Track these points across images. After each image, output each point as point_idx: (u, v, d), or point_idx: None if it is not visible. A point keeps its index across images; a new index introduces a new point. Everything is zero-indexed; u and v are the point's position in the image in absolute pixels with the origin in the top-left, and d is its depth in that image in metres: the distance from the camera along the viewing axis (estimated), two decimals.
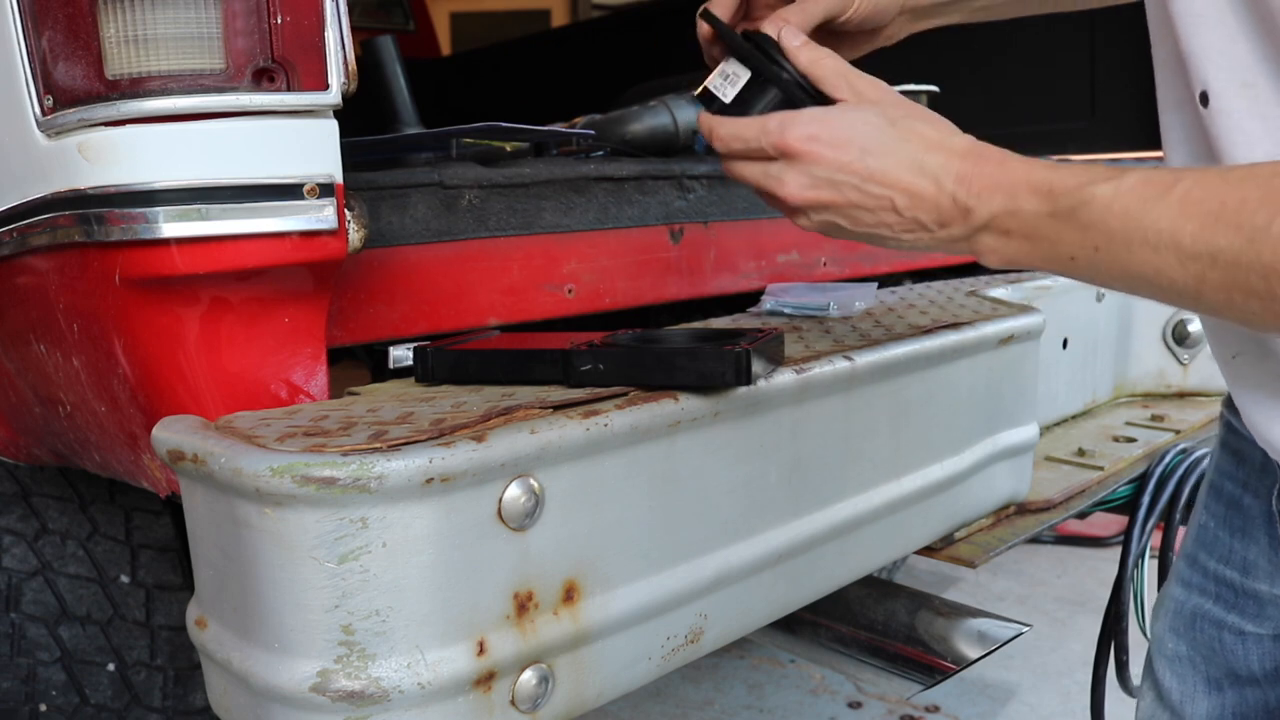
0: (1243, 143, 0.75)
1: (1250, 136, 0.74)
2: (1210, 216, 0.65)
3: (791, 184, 0.84)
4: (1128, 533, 1.55)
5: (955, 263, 1.99)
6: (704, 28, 0.96)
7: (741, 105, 0.92)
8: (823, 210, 0.84)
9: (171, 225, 0.86)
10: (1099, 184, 0.71)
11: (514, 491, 0.82)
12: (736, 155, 0.88)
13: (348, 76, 0.90)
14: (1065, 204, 0.73)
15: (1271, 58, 0.73)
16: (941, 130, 0.82)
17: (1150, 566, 1.53)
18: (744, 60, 0.92)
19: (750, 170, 0.88)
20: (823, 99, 0.88)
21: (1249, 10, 0.73)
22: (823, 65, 0.87)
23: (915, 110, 0.84)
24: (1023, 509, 1.48)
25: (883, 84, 0.87)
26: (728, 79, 0.93)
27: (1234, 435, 0.97)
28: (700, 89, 0.94)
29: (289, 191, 0.89)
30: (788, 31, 0.89)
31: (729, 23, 0.97)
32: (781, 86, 0.90)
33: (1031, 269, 0.78)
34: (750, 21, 0.99)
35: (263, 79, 0.87)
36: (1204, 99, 0.77)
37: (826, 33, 1.01)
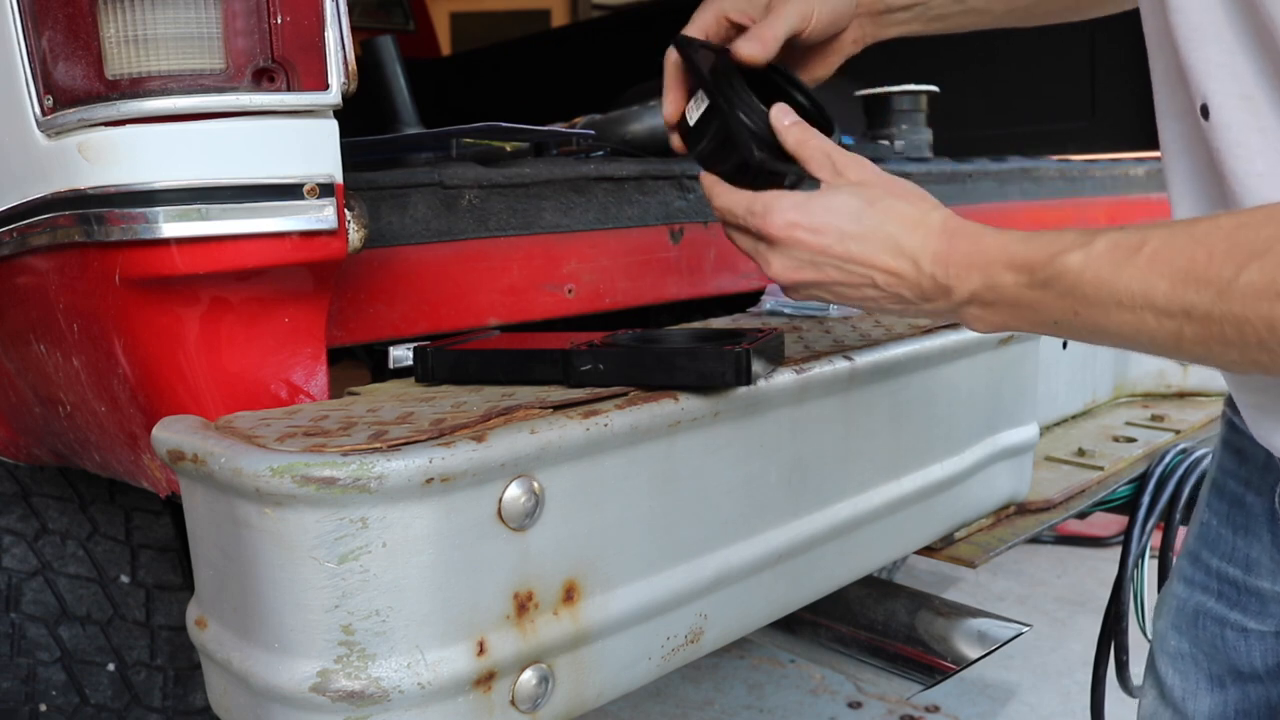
0: (1243, 156, 0.75)
1: (1250, 150, 0.75)
2: (1180, 274, 0.67)
3: (776, 265, 0.89)
4: (1128, 533, 1.55)
5: None
6: (673, 55, 0.99)
7: (701, 129, 0.95)
8: (808, 287, 0.89)
9: (171, 225, 0.86)
10: (1070, 253, 0.73)
11: (514, 491, 0.82)
12: (730, 225, 0.93)
13: (348, 76, 0.90)
14: (1041, 276, 0.76)
15: (1269, 71, 0.73)
16: (920, 207, 0.85)
17: (1150, 566, 1.53)
18: (709, 96, 0.95)
19: (742, 241, 0.93)
20: (779, 151, 0.91)
21: (1247, 24, 0.74)
22: (808, 147, 0.91)
23: (895, 187, 0.87)
24: (1023, 509, 1.48)
25: (866, 162, 0.90)
26: (699, 104, 0.97)
27: (1236, 433, 0.97)
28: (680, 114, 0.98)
29: (289, 191, 0.89)
30: (778, 110, 0.92)
31: (704, 38, 1.01)
32: (739, 139, 0.92)
33: (1020, 332, 0.81)
34: (725, 36, 1.02)
35: (263, 79, 0.87)
36: (1204, 111, 0.78)
37: (794, 50, 1.03)
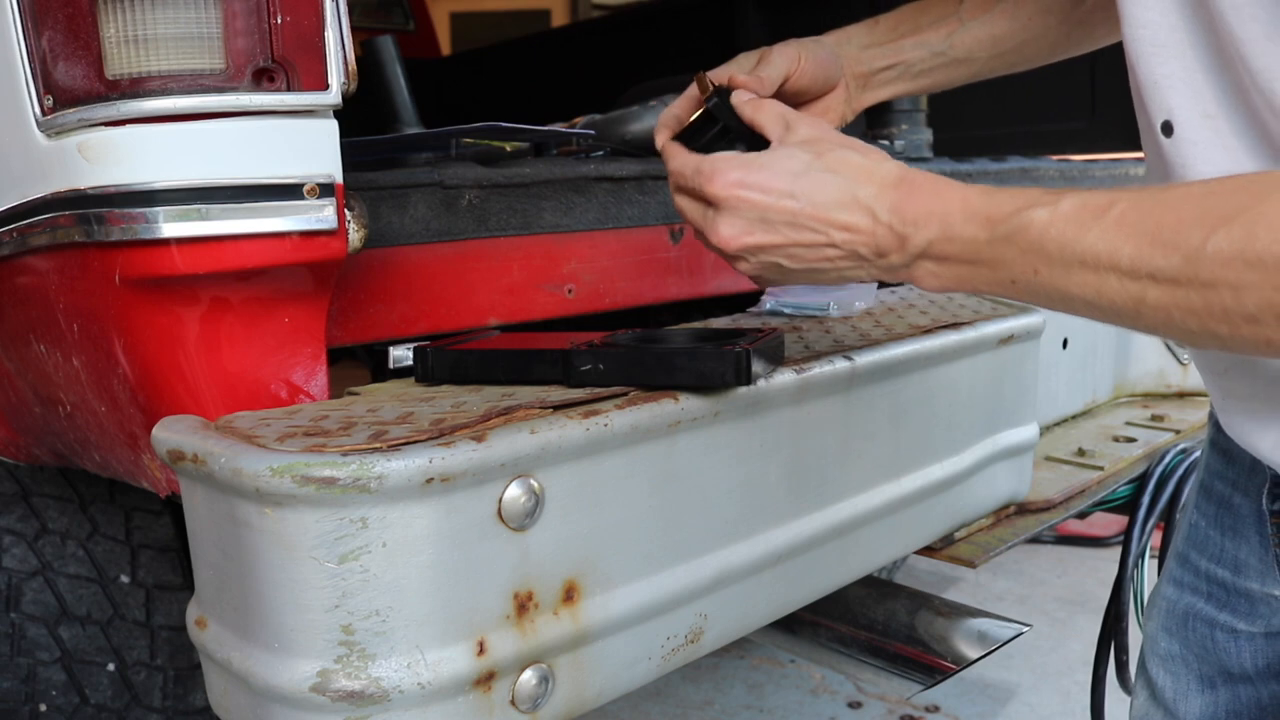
0: (1209, 173, 0.75)
1: (1217, 167, 0.75)
2: (1147, 237, 0.66)
3: (724, 229, 0.84)
4: (1128, 533, 1.55)
5: None
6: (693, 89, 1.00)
7: (691, 135, 0.94)
8: (759, 253, 0.84)
9: (171, 225, 0.86)
10: (1036, 208, 0.71)
11: (514, 491, 0.82)
12: (680, 190, 0.89)
13: (348, 76, 0.90)
14: (1002, 230, 0.73)
15: (1231, 89, 0.73)
16: (873, 158, 0.82)
17: (1150, 566, 1.53)
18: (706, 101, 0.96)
19: (690, 210, 0.88)
20: (760, 142, 0.89)
21: (1208, 42, 0.74)
22: (763, 110, 0.89)
23: (848, 141, 0.84)
24: (1023, 509, 1.48)
25: (820, 121, 0.87)
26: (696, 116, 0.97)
27: (1224, 435, 0.97)
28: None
29: (289, 191, 0.89)
30: (737, 94, 0.92)
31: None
32: (723, 127, 0.92)
33: (973, 293, 0.79)
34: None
35: (263, 79, 0.87)
36: (1167, 129, 0.78)
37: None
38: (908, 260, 0.79)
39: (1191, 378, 2.06)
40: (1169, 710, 1.05)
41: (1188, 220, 0.65)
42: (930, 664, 1.37)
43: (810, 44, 1.04)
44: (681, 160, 0.88)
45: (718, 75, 0.98)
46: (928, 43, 1.08)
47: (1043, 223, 0.71)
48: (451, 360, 1.00)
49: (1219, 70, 0.74)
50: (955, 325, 1.26)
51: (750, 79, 0.96)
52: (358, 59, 0.92)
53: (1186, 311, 0.65)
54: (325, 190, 0.91)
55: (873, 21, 1.10)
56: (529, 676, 0.85)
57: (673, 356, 0.92)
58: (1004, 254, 0.73)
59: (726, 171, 0.83)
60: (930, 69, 1.09)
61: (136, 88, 0.85)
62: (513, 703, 0.84)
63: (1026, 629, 1.39)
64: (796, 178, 0.81)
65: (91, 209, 0.87)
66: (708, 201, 0.85)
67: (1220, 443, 0.99)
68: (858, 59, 1.08)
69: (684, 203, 0.89)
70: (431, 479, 0.76)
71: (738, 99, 0.92)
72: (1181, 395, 2.06)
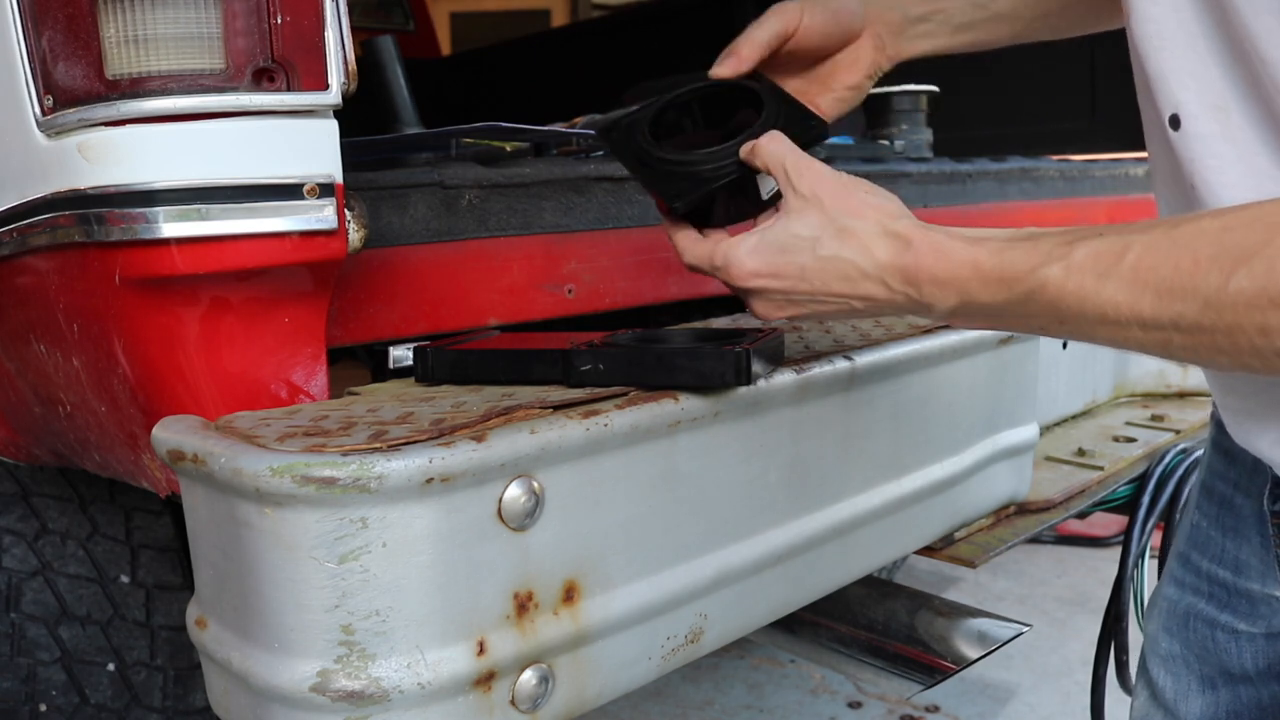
0: (1216, 167, 0.75)
1: (1223, 160, 0.74)
2: (1165, 284, 0.65)
3: (758, 308, 0.88)
4: (1128, 533, 1.55)
5: None
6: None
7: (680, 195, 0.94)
8: (796, 319, 0.88)
9: (171, 225, 0.86)
10: (1050, 265, 0.70)
11: (514, 491, 0.82)
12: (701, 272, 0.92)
13: (348, 76, 0.90)
14: (1020, 290, 0.73)
15: (1242, 81, 0.73)
16: (876, 221, 0.81)
17: (1150, 566, 1.53)
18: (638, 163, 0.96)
19: (726, 286, 0.91)
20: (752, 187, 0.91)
21: (1220, 34, 0.74)
22: (760, 154, 0.89)
23: (850, 201, 0.82)
24: (1023, 509, 1.48)
25: (817, 167, 0.86)
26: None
27: (1226, 436, 0.97)
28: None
29: (289, 191, 0.89)
30: (745, 147, 0.91)
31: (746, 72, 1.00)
32: (720, 187, 0.92)
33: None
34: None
35: (263, 79, 0.87)
36: (1174, 122, 0.77)
37: (809, 69, 1.02)
38: (939, 319, 0.81)
39: (1191, 378, 2.06)
40: (1169, 710, 1.05)
41: (1204, 261, 0.64)
42: (930, 664, 1.37)
43: (815, 2, 1.01)
44: (695, 255, 0.91)
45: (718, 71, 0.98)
46: None
47: (1059, 280, 0.70)
48: (451, 360, 1.00)
49: (1230, 63, 0.73)
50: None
51: (724, 63, 0.96)
52: (358, 59, 0.92)
53: (1215, 351, 0.65)
54: (325, 190, 0.91)
55: None
56: (529, 676, 0.85)
57: (673, 356, 0.92)
58: (1027, 310, 0.73)
59: (739, 264, 0.86)
60: (971, 23, 1.06)
61: (136, 88, 0.85)
62: (513, 703, 0.84)
63: (1026, 629, 1.39)
64: (806, 260, 0.83)
65: (91, 209, 0.87)
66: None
67: (1222, 443, 0.99)
68: (890, 3, 1.05)
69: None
70: (431, 479, 0.76)
71: (745, 150, 0.90)
72: (1181, 395, 2.06)
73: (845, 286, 0.82)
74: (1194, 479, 1.53)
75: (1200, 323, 0.64)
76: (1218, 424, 1.00)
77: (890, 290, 0.80)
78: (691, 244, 0.92)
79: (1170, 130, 0.78)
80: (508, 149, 1.29)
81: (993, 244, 0.75)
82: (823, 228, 0.82)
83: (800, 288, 0.84)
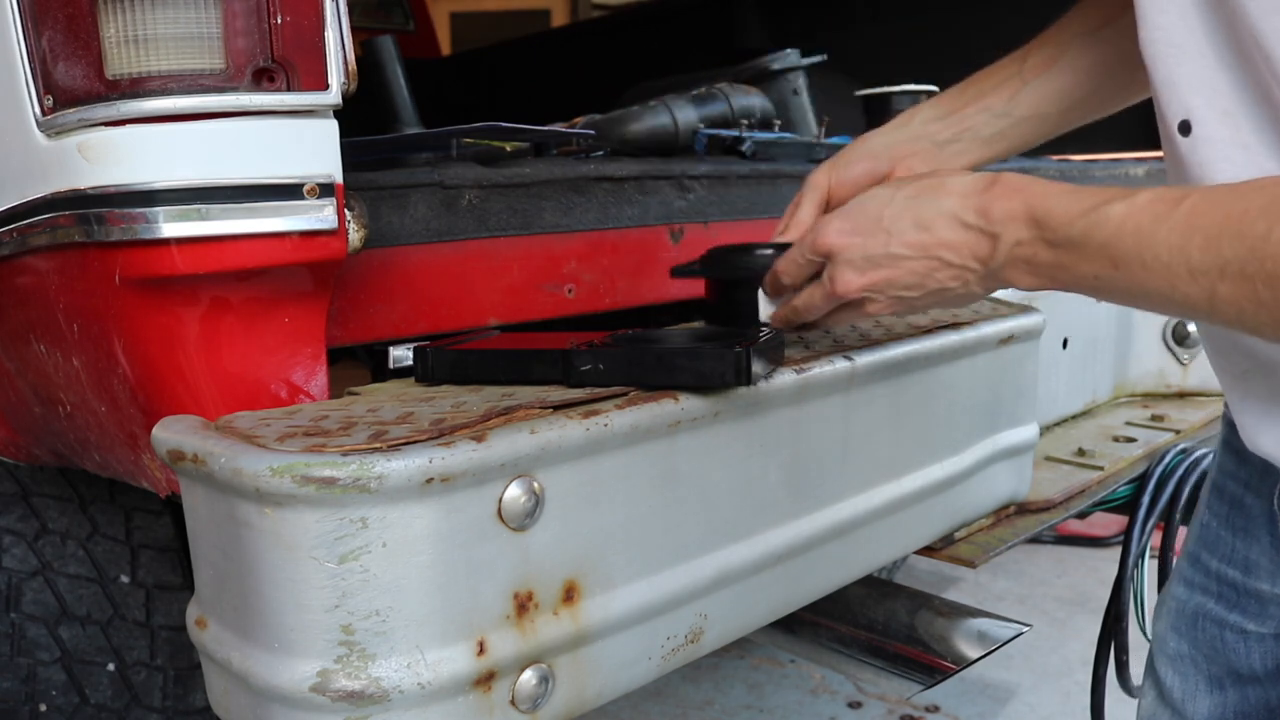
0: (1227, 171, 0.75)
1: (1235, 165, 0.75)
2: (1215, 229, 0.66)
3: (840, 280, 0.90)
4: (1128, 533, 1.55)
5: None
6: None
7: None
8: (879, 290, 0.89)
9: (171, 225, 0.86)
10: (1114, 203, 0.72)
11: (514, 491, 0.82)
12: (795, 286, 0.97)
13: (348, 76, 0.90)
14: (1081, 225, 0.74)
15: (1250, 87, 0.73)
16: (956, 175, 0.86)
17: (1150, 566, 1.53)
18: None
19: (814, 298, 0.95)
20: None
21: (1227, 39, 0.74)
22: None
23: (931, 172, 0.90)
24: (1023, 509, 1.48)
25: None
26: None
27: (1237, 435, 0.97)
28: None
29: (289, 191, 0.89)
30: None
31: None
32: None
33: (1064, 290, 0.80)
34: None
35: (263, 79, 0.87)
36: (1184, 128, 0.78)
37: None
38: (1002, 262, 0.81)
39: (1191, 378, 2.06)
40: (1177, 710, 1.05)
41: (1254, 210, 0.64)
42: (930, 664, 1.37)
43: (838, 161, 1.09)
44: (788, 261, 0.97)
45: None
46: (990, 107, 1.09)
47: (1120, 216, 0.71)
48: (451, 360, 1.00)
49: (1239, 68, 0.74)
50: (955, 325, 1.26)
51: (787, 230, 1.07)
52: (358, 59, 0.92)
53: (1257, 304, 0.65)
54: (325, 190, 0.91)
55: (940, 96, 1.13)
56: (529, 676, 0.85)
57: (673, 356, 0.92)
58: (1084, 248, 0.74)
59: (828, 223, 0.91)
60: (1000, 132, 1.10)
61: (136, 88, 0.85)
62: (513, 703, 0.84)
63: (1026, 629, 1.39)
64: (883, 212, 0.87)
65: (91, 209, 0.87)
66: (822, 261, 0.92)
67: (1233, 443, 0.99)
68: (923, 135, 1.10)
69: (806, 301, 0.96)
70: (431, 479, 0.76)
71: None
72: (1181, 395, 2.06)
73: (922, 236, 0.84)
74: (1195, 478, 1.54)
75: (1244, 270, 0.65)
76: (1230, 424, 1.00)
77: (965, 228, 0.82)
78: (784, 265, 0.98)
79: (1181, 136, 0.78)
80: (508, 149, 1.29)
81: (1066, 185, 0.78)
82: (899, 187, 0.88)
83: (878, 241, 0.87)
